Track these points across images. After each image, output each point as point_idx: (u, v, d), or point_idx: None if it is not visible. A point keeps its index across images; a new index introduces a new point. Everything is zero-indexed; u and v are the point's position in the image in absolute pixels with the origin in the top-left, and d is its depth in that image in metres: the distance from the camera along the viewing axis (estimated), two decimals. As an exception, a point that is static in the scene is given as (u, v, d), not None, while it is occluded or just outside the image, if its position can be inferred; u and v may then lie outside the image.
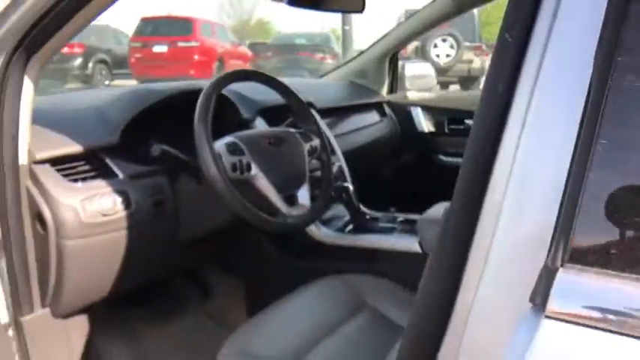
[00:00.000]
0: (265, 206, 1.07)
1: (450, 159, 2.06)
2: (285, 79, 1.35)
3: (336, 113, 1.82)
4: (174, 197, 1.13)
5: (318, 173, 1.24)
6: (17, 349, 1.06)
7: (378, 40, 2.10)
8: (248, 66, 10.76)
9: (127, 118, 1.10)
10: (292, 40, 11.37)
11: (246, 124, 1.38)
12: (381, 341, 1.06)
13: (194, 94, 1.14)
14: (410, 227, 1.37)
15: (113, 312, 1.39)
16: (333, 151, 1.31)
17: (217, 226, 1.26)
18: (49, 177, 0.98)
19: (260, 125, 1.41)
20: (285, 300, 1.17)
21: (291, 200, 1.13)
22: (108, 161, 1.07)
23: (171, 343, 1.59)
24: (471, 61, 9.06)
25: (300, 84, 1.82)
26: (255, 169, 1.05)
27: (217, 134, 1.11)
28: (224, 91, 1.24)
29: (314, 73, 8.07)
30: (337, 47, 11.51)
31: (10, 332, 1.06)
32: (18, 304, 1.05)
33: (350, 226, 1.44)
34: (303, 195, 1.15)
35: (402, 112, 2.14)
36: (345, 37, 9.94)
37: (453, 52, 8.91)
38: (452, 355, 0.51)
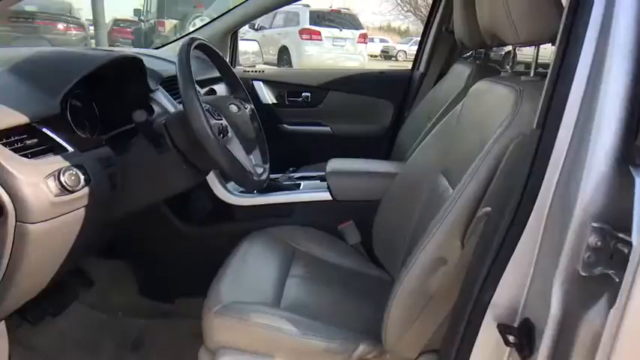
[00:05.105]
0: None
1: (292, 127, 2.32)
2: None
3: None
4: (122, 168, 1.08)
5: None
6: None
7: (220, 16, 2.17)
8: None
9: (67, 86, 0.99)
10: (21, 6, 9.58)
11: (149, 93, 1.36)
12: (325, 276, 1.28)
13: (123, 61, 1.13)
14: (311, 183, 1.59)
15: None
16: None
17: (159, 198, 1.23)
18: (0, 153, 0.84)
19: (162, 95, 1.40)
20: (235, 255, 1.26)
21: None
22: (52, 134, 0.95)
23: (61, 341, 1.46)
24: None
25: (145, 53, 1.79)
26: (230, 133, 1.11)
27: (124, 100, 1.14)
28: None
29: (58, 45, 7.25)
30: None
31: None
32: None
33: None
34: (257, 155, 1.25)
35: (247, 86, 2.29)
36: (96, 6, 8.95)
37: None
38: None
